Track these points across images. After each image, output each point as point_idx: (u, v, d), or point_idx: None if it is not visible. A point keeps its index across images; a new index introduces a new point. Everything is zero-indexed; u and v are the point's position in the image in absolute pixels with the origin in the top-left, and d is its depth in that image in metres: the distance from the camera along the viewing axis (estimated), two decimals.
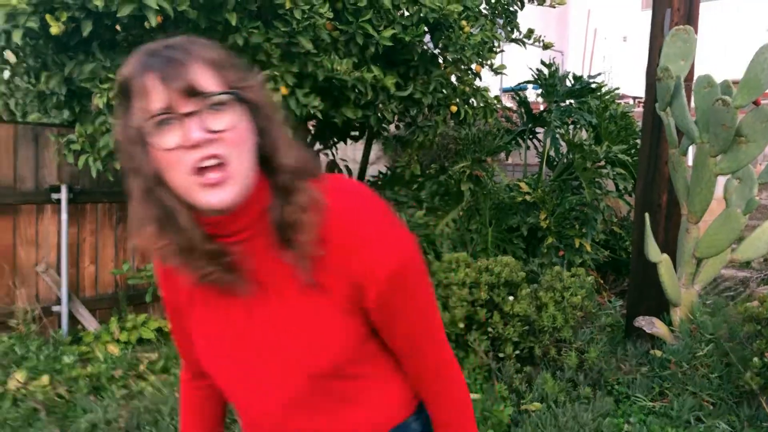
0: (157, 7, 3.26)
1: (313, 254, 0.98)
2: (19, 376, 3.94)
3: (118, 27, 3.82)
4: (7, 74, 5.66)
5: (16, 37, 3.28)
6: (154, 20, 3.31)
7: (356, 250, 0.99)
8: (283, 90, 3.90)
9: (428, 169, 5.16)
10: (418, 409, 1.19)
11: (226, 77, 0.96)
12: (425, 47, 4.66)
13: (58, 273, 4.94)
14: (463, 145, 5.09)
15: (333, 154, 5.93)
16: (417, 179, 5.15)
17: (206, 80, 0.93)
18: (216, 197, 0.94)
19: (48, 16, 3.34)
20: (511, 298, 3.72)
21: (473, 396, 3.60)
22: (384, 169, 6.93)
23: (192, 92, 0.92)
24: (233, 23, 3.58)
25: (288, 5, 3.62)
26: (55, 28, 3.34)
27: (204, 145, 0.92)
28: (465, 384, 1.20)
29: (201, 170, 0.93)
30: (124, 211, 5.33)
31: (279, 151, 1.00)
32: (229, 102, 0.95)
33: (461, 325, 3.89)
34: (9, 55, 4.14)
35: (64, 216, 4.88)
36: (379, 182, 5.67)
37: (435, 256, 4.67)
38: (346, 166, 6.02)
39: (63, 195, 4.85)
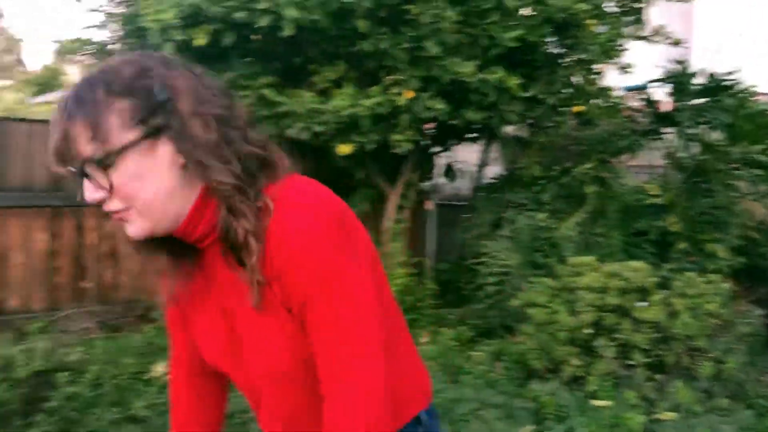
0: (293, 18, 3.42)
1: (258, 274, 0.98)
2: (161, 366, 4.22)
3: (253, 37, 4.02)
4: None
5: (167, 49, 3.54)
6: (288, 29, 3.47)
7: (287, 272, 0.97)
8: (409, 94, 3.97)
9: (550, 170, 5.09)
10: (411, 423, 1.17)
11: (107, 133, 0.92)
12: (549, 47, 4.61)
13: None
14: (587, 145, 4.99)
15: (451, 156, 5.96)
16: (538, 181, 5.09)
17: (83, 144, 0.93)
18: (129, 230, 1.01)
19: (193, 30, 3.58)
20: (645, 303, 3.60)
21: (602, 403, 3.53)
22: (501, 171, 6.89)
23: (66, 159, 0.95)
24: (362, 30, 3.69)
25: (415, 11, 3.69)
26: (200, 40, 3.57)
27: (101, 202, 0.97)
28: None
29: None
30: None
31: (209, 171, 0.96)
32: (121, 154, 0.93)
33: (588, 331, 3.82)
34: None
35: None
36: (498, 184, 5.64)
37: (557, 259, 4.59)
38: (460, 168, 6.03)
39: None
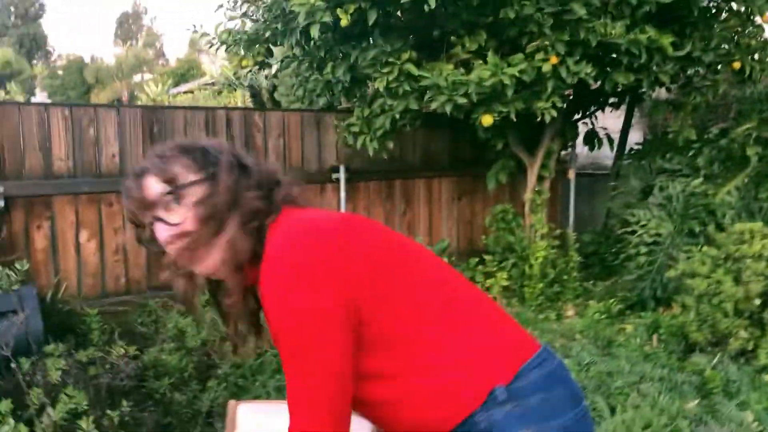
0: None
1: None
2: None
3: (395, 12, 4.05)
4: (274, 68, 6.28)
5: (314, 31, 3.64)
6: (433, 2, 3.46)
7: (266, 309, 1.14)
8: (554, 59, 3.85)
9: (705, 133, 4.78)
10: (486, 401, 1.15)
11: (174, 175, 1.20)
12: (703, 1, 4.30)
13: None
14: (747, 104, 4.63)
15: (593, 123, 5.74)
16: (691, 145, 4.80)
17: (155, 187, 1.21)
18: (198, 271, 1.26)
19: (338, 10, 3.65)
20: None
21: None
22: (646, 137, 6.56)
23: (144, 205, 1.23)
24: None
25: None
26: (344, 20, 3.64)
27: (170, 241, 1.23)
28: None
29: None
30: (392, 188, 5.69)
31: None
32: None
33: (757, 302, 3.58)
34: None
35: (342, 194, 5.35)
36: (645, 150, 5.38)
37: (716, 227, 4.33)
38: (607, 135, 5.80)
39: (341, 175, 5.31)
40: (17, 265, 3.99)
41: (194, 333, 4.10)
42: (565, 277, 5.27)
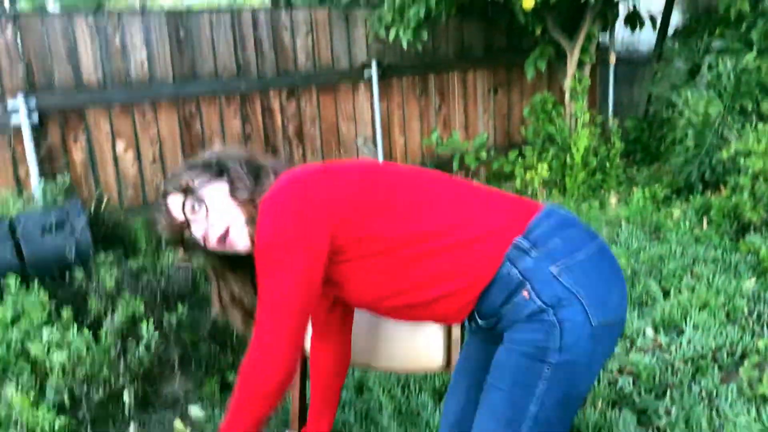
0: None
1: None
2: None
3: None
4: None
5: None
6: None
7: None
8: None
9: (758, 6, 4.48)
10: (509, 254, 1.23)
11: (189, 183, 1.35)
12: None
13: (375, 145, 5.35)
14: None
15: (634, 4, 5.44)
16: (744, 18, 4.52)
17: (179, 200, 1.36)
18: (239, 249, 1.38)
19: None
20: None
21: None
22: (687, 17, 6.21)
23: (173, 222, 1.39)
24: None
25: None
26: None
27: (206, 237, 1.36)
28: (249, 364, 1.32)
29: None
30: (426, 83, 5.52)
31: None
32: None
33: None
34: None
35: (375, 91, 5.21)
36: (691, 28, 5.10)
37: None
38: (651, 16, 5.50)
39: (373, 70, 5.15)
40: (59, 179, 4.01)
41: None
42: (608, 165, 5.15)
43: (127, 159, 4.46)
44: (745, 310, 2.86)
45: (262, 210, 1.26)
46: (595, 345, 1.20)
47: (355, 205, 1.28)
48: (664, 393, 2.39)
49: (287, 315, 1.25)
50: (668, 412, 2.23)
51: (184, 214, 1.33)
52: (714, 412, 2.23)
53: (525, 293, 1.20)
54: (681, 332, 2.81)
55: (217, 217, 1.31)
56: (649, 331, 2.84)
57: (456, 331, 1.62)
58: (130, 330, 2.94)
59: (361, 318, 1.64)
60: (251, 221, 1.29)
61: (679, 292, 3.16)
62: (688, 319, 2.85)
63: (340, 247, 1.27)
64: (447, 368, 1.63)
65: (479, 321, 1.31)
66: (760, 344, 2.54)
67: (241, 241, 1.32)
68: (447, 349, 1.63)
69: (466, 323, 1.36)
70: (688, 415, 2.21)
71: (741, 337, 2.65)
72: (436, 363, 1.63)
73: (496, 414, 1.26)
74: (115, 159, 4.41)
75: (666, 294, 3.20)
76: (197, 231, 1.32)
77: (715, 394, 2.33)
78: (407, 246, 1.27)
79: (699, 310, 2.90)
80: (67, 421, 2.52)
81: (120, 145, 4.42)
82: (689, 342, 2.68)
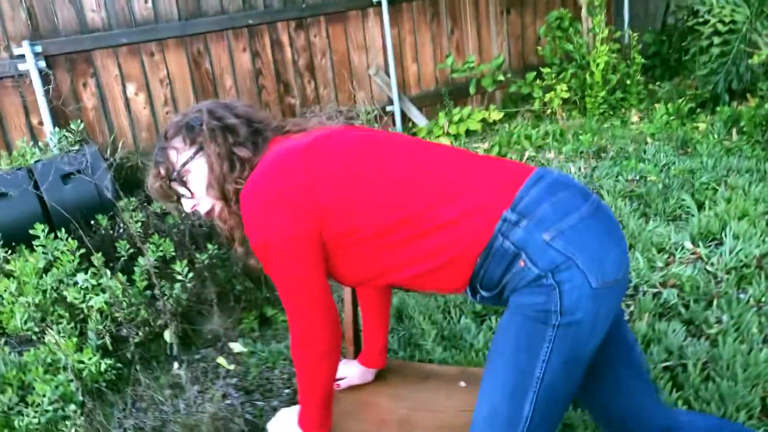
0: None
1: None
2: None
3: None
4: None
5: None
6: None
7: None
8: None
9: None
10: (500, 228, 1.22)
11: (172, 162, 1.42)
12: None
13: (387, 74, 5.22)
14: None
15: None
16: None
17: (164, 176, 1.45)
18: (231, 222, 1.46)
19: None
20: None
21: None
22: None
23: (163, 192, 1.49)
24: None
25: None
26: None
27: (195, 210, 1.48)
28: (295, 346, 1.35)
29: None
30: (436, 6, 5.33)
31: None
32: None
33: None
34: None
35: (385, 18, 5.04)
36: None
37: None
38: None
39: None
40: (72, 126, 3.93)
41: None
42: (628, 81, 5.02)
43: (139, 102, 4.37)
44: None
45: (245, 204, 1.29)
46: (596, 305, 1.19)
47: (339, 193, 1.27)
48: (710, 303, 2.36)
49: (307, 298, 1.29)
50: (719, 321, 2.21)
51: (172, 189, 1.42)
52: (764, 319, 2.20)
53: (521, 263, 1.21)
54: (720, 243, 2.76)
55: (201, 197, 1.39)
56: (688, 244, 2.80)
57: None
58: (163, 271, 2.92)
59: None
60: (228, 205, 1.37)
61: (715, 203, 3.11)
62: (727, 230, 2.80)
63: (326, 237, 1.29)
64: None
65: (483, 293, 1.30)
66: None
67: (226, 217, 1.39)
68: None
69: (470, 296, 1.33)
70: (738, 322, 2.19)
71: None
72: None
73: (501, 381, 1.24)
74: (127, 103, 4.32)
75: (700, 207, 3.15)
76: (186, 205, 1.43)
77: (763, 300, 2.31)
78: (393, 232, 1.27)
79: (738, 221, 2.85)
80: (113, 363, 2.53)
81: (130, 89, 4.32)
82: (731, 252, 2.64)
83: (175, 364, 2.65)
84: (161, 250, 3.03)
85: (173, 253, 3.01)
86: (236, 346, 2.74)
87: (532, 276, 1.20)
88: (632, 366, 1.41)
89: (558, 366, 1.20)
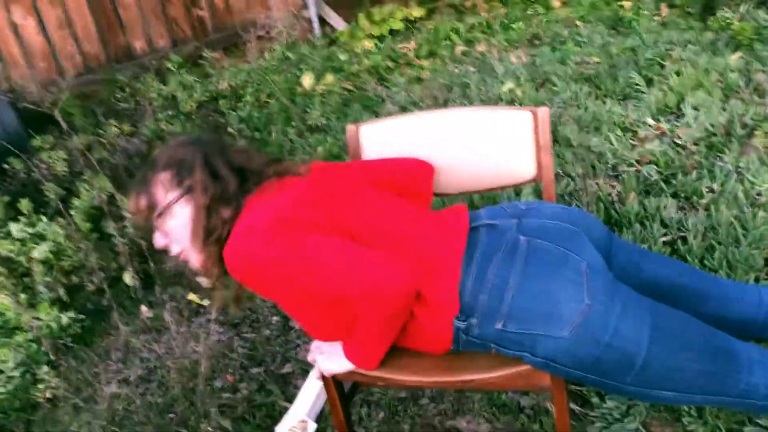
0: None
1: None
2: (308, 78, 4.08)
3: None
4: None
5: None
6: None
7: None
8: None
9: None
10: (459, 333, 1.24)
11: (157, 198, 1.36)
12: None
13: None
14: None
15: None
16: None
17: (146, 208, 1.38)
18: (192, 265, 1.43)
19: None
20: None
21: None
22: None
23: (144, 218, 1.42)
24: None
25: None
26: None
27: (166, 248, 1.42)
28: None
29: None
30: None
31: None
32: None
33: None
34: None
35: None
36: None
37: None
38: None
39: None
40: None
41: (186, 96, 3.75)
42: None
43: (29, 27, 3.86)
44: (740, 83, 2.84)
45: (228, 256, 1.25)
46: (584, 329, 1.16)
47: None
48: (687, 174, 2.38)
49: (341, 260, 1.19)
50: (711, 190, 2.22)
51: (150, 221, 1.36)
52: (747, 183, 2.23)
53: (494, 350, 1.24)
54: (681, 115, 2.77)
55: (176, 240, 1.35)
56: (650, 120, 2.79)
57: (545, 137, 1.46)
58: (104, 211, 2.65)
59: (443, 151, 1.47)
60: (201, 258, 1.32)
61: (665, 78, 3.11)
62: (685, 102, 2.81)
63: None
64: (539, 176, 1.49)
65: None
66: None
67: (192, 264, 1.36)
68: (537, 156, 1.48)
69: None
70: (723, 190, 2.21)
71: (746, 109, 2.64)
72: (528, 173, 1.49)
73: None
74: (15, 28, 3.81)
75: (649, 82, 3.14)
76: (157, 240, 1.37)
77: (741, 165, 2.34)
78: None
79: (693, 92, 2.86)
80: (74, 316, 2.29)
81: (16, 12, 3.80)
82: (694, 122, 2.65)
83: (143, 308, 2.43)
84: (98, 188, 2.74)
85: (111, 191, 2.74)
86: (205, 280, 2.54)
87: (511, 356, 1.23)
88: (680, 273, 1.41)
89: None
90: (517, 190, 2.38)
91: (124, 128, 3.52)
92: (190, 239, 1.32)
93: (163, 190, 1.33)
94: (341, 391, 1.43)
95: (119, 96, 3.90)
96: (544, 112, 1.45)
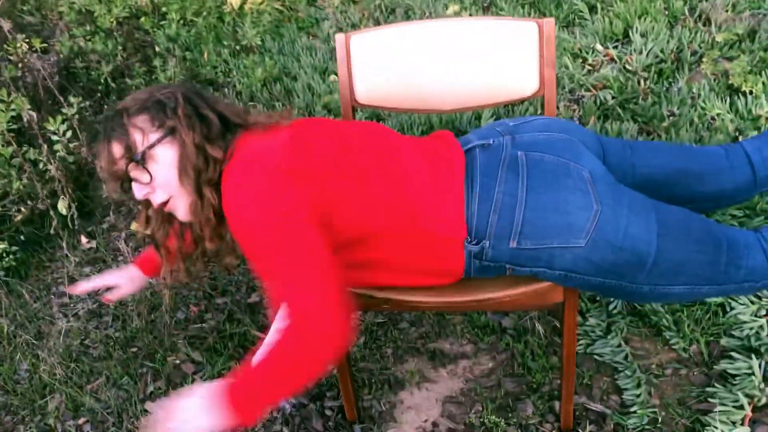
0: None
1: None
2: None
3: None
4: None
5: None
6: None
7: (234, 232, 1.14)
8: None
9: None
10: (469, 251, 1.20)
11: (135, 142, 1.18)
12: None
13: None
14: None
15: None
16: None
17: (121, 156, 1.20)
18: (180, 216, 1.28)
19: None
20: None
21: None
22: None
23: (115, 174, 1.24)
24: None
25: None
26: None
27: (147, 198, 1.24)
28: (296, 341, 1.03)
29: None
30: None
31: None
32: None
33: None
34: None
35: None
36: None
37: None
38: None
39: None
40: None
41: (105, 11, 3.42)
42: None
43: None
44: (686, 11, 2.89)
45: (229, 194, 1.12)
46: (597, 233, 1.14)
47: (325, 188, 1.14)
48: (643, 100, 2.41)
49: (317, 270, 1.06)
50: (673, 114, 2.26)
51: (127, 171, 1.19)
52: (699, 109, 2.29)
53: (509, 270, 1.21)
54: (628, 42, 2.80)
55: (161, 186, 1.19)
56: (599, 47, 2.80)
57: (550, 51, 1.41)
58: (25, 134, 2.41)
59: (441, 65, 1.39)
60: (192, 202, 1.18)
61: (609, 5, 3.11)
62: (632, 30, 2.83)
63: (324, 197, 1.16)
64: (540, 92, 1.44)
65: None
66: (719, 38, 2.60)
67: (180, 212, 1.22)
68: (540, 70, 1.42)
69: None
70: (680, 114, 2.26)
71: (692, 37, 2.69)
72: (530, 88, 1.43)
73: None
74: None
75: (592, 9, 3.14)
76: (138, 191, 1.21)
77: (694, 90, 2.39)
78: (376, 237, 1.19)
79: (639, 19, 2.89)
80: (6, 248, 2.08)
81: None
82: (642, 51, 2.68)
83: (83, 238, 2.25)
84: (13, 109, 2.48)
85: (31, 112, 2.48)
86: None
87: (528, 274, 1.20)
88: (671, 158, 1.39)
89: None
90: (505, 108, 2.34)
91: (35, 43, 3.17)
92: (177, 181, 1.18)
93: (141, 134, 1.18)
94: None
95: (23, 9, 3.51)
96: (549, 23, 1.38)
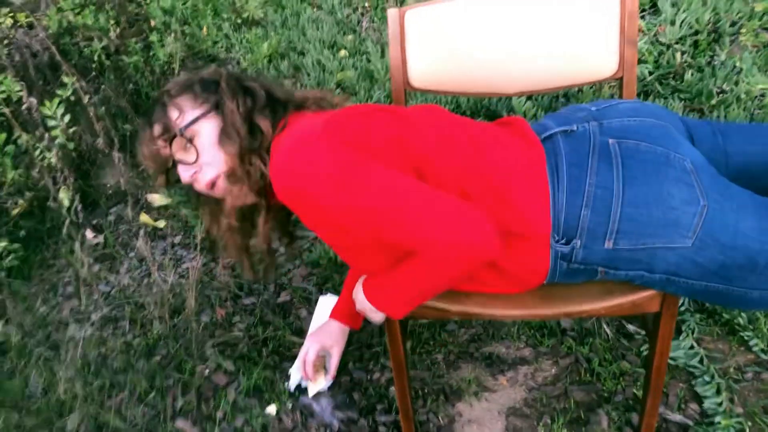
0: None
1: None
2: None
3: None
4: None
5: None
6: None
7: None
8: None
9: None
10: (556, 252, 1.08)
11: (173, 121, 1.13)
12: None
13: None
14: None
15: None
16: None
17: (161, 136, 1.15)
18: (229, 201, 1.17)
19: None
20: None
21: None
22: None
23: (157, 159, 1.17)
24: None
25: None
26: None
27: (195, 179, 1.15)
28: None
29: None
30: None
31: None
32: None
33: None
34: None
35: None
36: None
37: None
38: None
39: None
40: None
41: None
42: None
43: None
44: None
45: (279, 188, 1.02)
46: (704, 244, 1.00)
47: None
48: (682, 75, 2.27)
49: (419, 199, 0.97)
50: (723, 90, 2.12)
51: (172, 153, 1.13)
52: (747, 84, 2.16)
53: (602, 272, 1.07)
54: (656, 12, 2.65)
55: (208, 162, 1.11)
56: None
57: (633, 26, 1.26)
58: (18, 118, 2.21)
59: (507, 43, 1.24)
60: (233, 177, 1.10)
61: None
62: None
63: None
64: (619, 73, 1.29)
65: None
66: (758, 7, 2.46)
67: (231, 189, 1.11)
68: (621, 49, 1.27)
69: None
70: (731, 90, 2.12)
71: (729, 6, 2.54)
72: (609, 69, 1.28)
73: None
74: None
75: None
76: (184, 173, 1.13)
77: (737, 65, 2.25)
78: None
79: None
80: (8, 245, 1.91)
81: None
82: (675, 21, 2.54)
83: (89, 232, 2.07)
84: (3, 91, 2.29)
85: (20, 93, 2.28)
86: (157, 198, 2.20)
87: (623, 278, 1.07)
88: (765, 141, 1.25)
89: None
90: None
91: (19, 17, 2.95)
92: (224, 152, 1.09)
93: (182, 112, 1.13)
94: (404, 327, 1.22)
95: None
96: None
